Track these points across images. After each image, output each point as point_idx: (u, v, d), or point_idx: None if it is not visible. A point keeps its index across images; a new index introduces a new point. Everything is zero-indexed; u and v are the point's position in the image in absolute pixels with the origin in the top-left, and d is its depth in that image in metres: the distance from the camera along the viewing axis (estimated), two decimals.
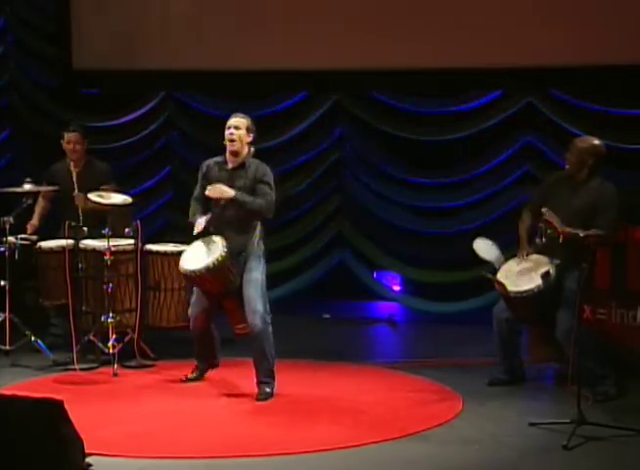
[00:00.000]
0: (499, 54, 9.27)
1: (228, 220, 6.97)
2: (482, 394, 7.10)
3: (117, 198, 8.02)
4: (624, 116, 9.02)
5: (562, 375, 7.11)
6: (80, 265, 8.02)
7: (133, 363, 7.90)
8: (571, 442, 5.94)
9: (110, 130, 10.45)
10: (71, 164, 8.61)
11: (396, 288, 10.26)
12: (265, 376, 6.99)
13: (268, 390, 6.97)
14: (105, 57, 10.28)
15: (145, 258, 8.10)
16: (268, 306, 6.96)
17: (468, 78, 9.48)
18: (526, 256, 7.13)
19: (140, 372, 7.78)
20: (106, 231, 7.78)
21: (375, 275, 10.29)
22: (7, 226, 7.93)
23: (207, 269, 6.83)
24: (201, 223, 6.96)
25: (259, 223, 7.04)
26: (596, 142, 7.13)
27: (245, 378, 7.09)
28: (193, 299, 7.21)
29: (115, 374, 7.61)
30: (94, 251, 8.00)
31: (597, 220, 6.91)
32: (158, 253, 8.16)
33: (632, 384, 7.16)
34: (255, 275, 6.94)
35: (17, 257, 8.03)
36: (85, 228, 7.93)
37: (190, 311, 7.23)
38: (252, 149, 7.10)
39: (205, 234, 6.99)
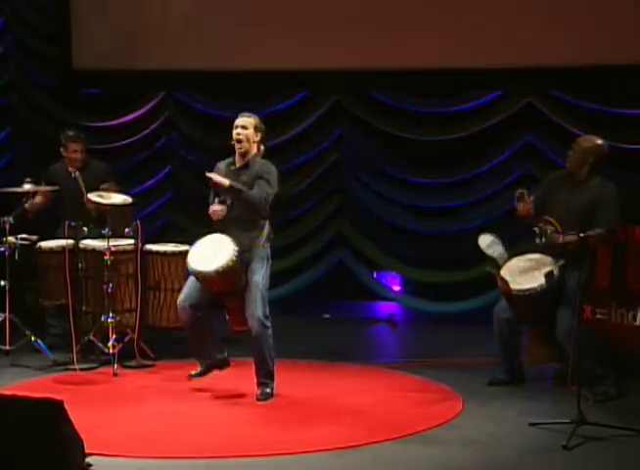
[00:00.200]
0: (499, 54, 9.27)
1: (234, 219, 6.96)
2: (482, 394, 7.10)
3: (117, 198, 8.03)
4: (624, 115, 9.03)
5: (562, 375, 7.11)
6: (80, 265, 8.02)
7: (133, 363, 7.90)
8: (571, 442, 5.94)
9: (110, 130, 10.46)
10: (70, 165, 8.62)
11: (396, 288, 10.27)
12: (265, 377, 6.99)
13: (268, 390, 6.97)
14: (105, 57, 10.29)
15: (145, 258, 8.10)
16: (268, 310, 6.93)
17: (468, 78, 9.49)
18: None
19: (140, 372, 7.78)
20: (106, 231, 7.79)
21: (375, 275, 10.30)
22: (7, 226, 7.94)
23: (217, 273, 6.79)
24: (217, 208, 6.91)
25: (267, 223, 7.03)
26: (599, 141, 7.14)
27: (245, 378, 7.09)
28: (182, 294, 7.06)
29: (115, 374, 7.61)
30: (94, 251, 8.00)
31: (597, 219, 6.90)
32: (158, 253, 8.16)
33: (632, 384, 7.16)
34: (257, 278, 6.92)
35: (17, 257, 8.03)
36: (85, 228, 7.93)
37: (178, 302, 7.06)
38: (262, 147, 7.10)
39: (212, 233, 6.98)
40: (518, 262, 7.17)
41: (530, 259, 7.14)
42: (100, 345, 7.84)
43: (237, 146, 6.99)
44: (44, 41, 10.71)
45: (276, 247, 7.35)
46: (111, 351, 7.70)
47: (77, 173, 8.13)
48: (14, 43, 10.82)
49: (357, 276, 10.15)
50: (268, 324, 6.91)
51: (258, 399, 6.92)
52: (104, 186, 8.40)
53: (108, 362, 7.74)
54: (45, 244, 8.25)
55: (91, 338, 7.88)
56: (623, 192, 7.18)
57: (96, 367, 7.85)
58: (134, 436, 6.21)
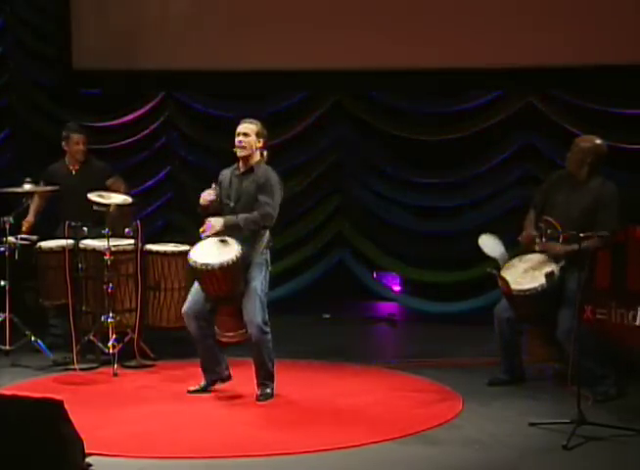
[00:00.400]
0: (499, 54, 9.26)
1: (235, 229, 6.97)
2: (482, 394, 7.10)
3: (117, 198, 8.03)
4: (624, 116, 9.02)
5: (562, 375, 7.11)
6: (80, 265, 8.02)
7: (133, 363, 7.90)
8: (571, 442, 5.94)
9: (110, 130, 10.45)
10: (70, 164, 8.61)
11: (396, 288, 10.27)
12: (265, 378, 6.99)
13: (268, 391, 6.97)
14: (104, 57, 10.28)
15: (145, 258, 8.10)
16: (266, 315, 6.92)
17: (468, 78, 9.48)
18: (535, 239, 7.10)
19: (140, 372, 7.78)
20: (106, 231, 7.79)
21: (375, 275, 10.30)
22: (7, 226, 7.94)
23: (221, 267, 6.77)
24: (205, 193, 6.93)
25: (267, 232, 7.03)
26: (598, 141, 7.14)
27: (245, 378, 7.08)
28: (187, 303, 7.05)
29: (115, 374, 7.61)
30: (94, 251, 8.00)
31: (598, 219, 6.90)
32: (158, 253, 8.16)
33: (632, 384, 7.16)
34: (255, 284, 6.90)
35: (17, 257, 8.03)
36: (85, 228, 7.92)
37: (183, 311, 7.06)
38: (265, 153, 7.09)
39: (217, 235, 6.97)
40: (518, 263, 7.17)
41: (531, 260, 7.14)
42: (100, 345, 7.85)
43: (239, 153, 6.99)
44: (44, 41, 10.71)
45: (276, 247, 7.34)
46: (111, 351, 7.70)
47: (73, 167, 8.16)
48: (13, 43, 10.82)
49: (357, 276, 10.14)
50: (267, 330, 6.91)
51: (258, 400, 6.93)
52: (109, 181, 8.43)
53: (108, 362, 7.74)
54: (45, 244, 8.25)
55: (91, 338, 7.88)
56: (623, 192, 7.18)
57: (96, 367, 7.86)
58: (134, 436, 6.21)
